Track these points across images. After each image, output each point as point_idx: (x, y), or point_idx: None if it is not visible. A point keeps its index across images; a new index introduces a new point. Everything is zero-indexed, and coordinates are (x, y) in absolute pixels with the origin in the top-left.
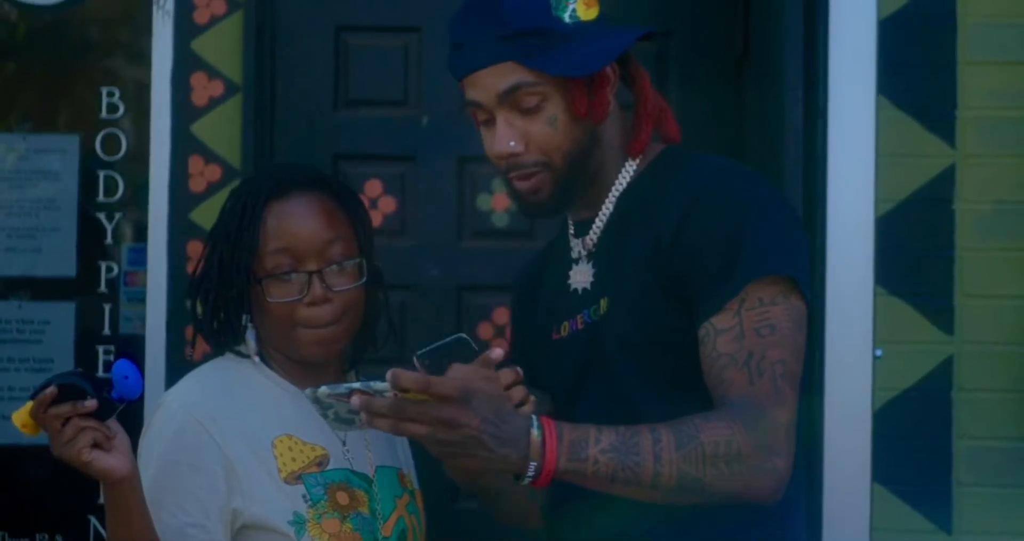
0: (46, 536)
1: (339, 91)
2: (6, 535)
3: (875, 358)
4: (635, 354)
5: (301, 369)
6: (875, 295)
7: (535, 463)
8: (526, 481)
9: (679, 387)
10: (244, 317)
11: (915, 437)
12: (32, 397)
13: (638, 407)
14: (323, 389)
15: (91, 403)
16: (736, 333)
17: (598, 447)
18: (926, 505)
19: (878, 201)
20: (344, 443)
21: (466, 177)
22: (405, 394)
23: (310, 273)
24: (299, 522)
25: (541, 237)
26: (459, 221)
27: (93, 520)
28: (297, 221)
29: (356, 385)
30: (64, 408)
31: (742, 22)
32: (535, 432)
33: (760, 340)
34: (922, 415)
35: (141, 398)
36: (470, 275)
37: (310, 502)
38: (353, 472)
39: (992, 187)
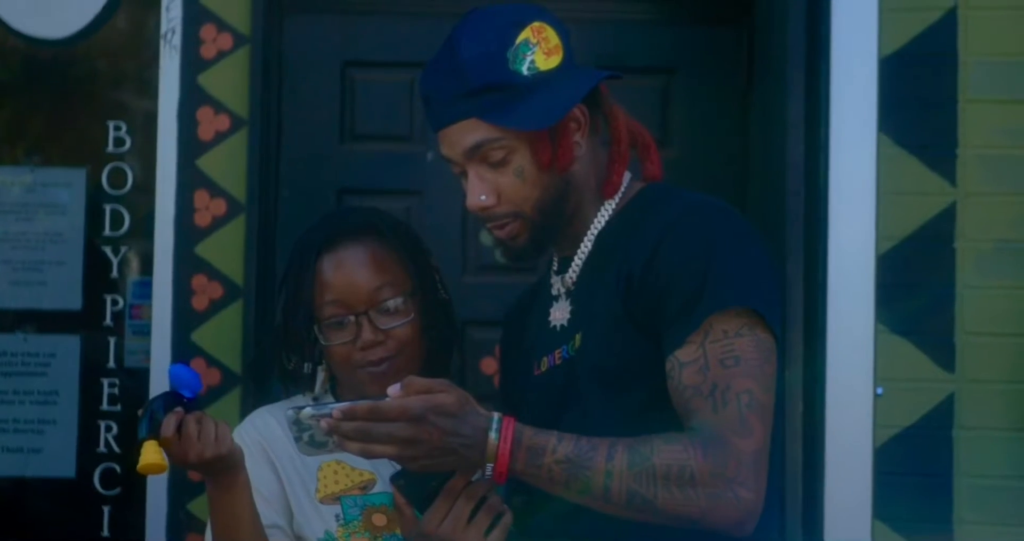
0: None
1: (345, 126)
2: None
3: (876, 396)
4: (606, 385)
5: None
6: (876, 333)
7: (490, 464)
8: (487, 476)
9: (650, 418)
10: (306, 365)
11: (916, 475)
12: (142, 440)
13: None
14: (307, 410)
15: (199, 415)
16: (700, 365)
17: (554, 457)
18: None
19: (879, 239)
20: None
21: (470, 213)
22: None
23: (357, 316)
24: (329, 540)
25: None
26: (463, 256)
27: None
28: (346, 272)
29: (344, 405)
30: (198, 414)
31: (746, 59)
32: (492, 436)
33: (724, 371)
34: (923, 453)
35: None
36: (473, 310)
37: (342, 521)
38: None
39: (993, 225)
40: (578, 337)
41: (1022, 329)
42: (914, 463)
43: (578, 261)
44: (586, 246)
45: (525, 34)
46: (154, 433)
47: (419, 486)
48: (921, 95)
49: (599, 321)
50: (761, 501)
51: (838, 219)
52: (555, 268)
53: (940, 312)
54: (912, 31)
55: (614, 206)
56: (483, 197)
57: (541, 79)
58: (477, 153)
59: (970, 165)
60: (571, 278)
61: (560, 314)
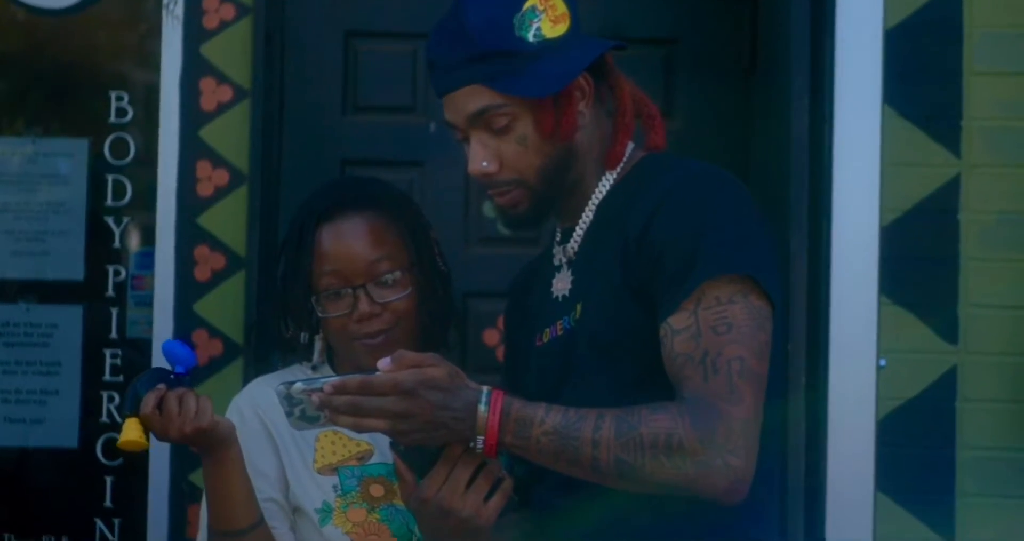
0: (52, 538)
1: (347, 97)
2: (13, 537)
3: (879, 368)
4: (604, 355)
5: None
6: (879, 304)
7: (480, 437)
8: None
9: (647, 388)
10: (303, 334)
11: (918, 447)
12: (125, 416)
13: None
14: (298, 385)
15: (182, 391)
16: (693, 332)
17: (542, 428)
18: (929, 515)
19: (883, 210)
20: None
21: (473, 184)
22: None
23: (354, 289)
24: (326, 510)
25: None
26: (465, 227)
27: (99, 523)
28: (344, 243)
29: (334, 378)
30: (180, 390)
31: (749, 31)
32: (481, 408)
33: (717, 338)
34: (926, 425)
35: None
36: (476, 282)
37: (340, 492)
38: None
39: (997, 197)
40: (579, 307)
41: None
42: (917, 435)
43: (579, 231)
44: (587, 216)
45: (532, 1)
46: (135, 410)
47: (418, 452)
48: (926, 67)
49: (598, 291)
50: (751, 469)
51: (842, 191)
52: (558, 238)
53: (943, 284)
54: (917, 2)
55: (616, 176)
56: (485, 163)
57: (547, 47)
58: (480, 119)
59: (975, 137)
60: (573, 248)
61: (562, 285)
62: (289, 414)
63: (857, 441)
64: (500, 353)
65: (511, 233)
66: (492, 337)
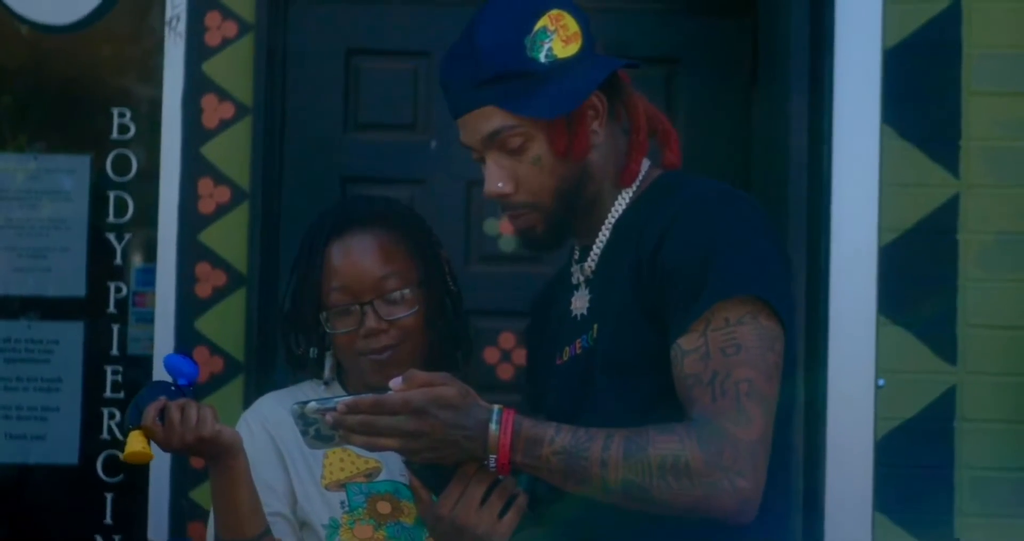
0: None
1: (348, 114)
2: None
3: (877, 387)
4: (619, 374)
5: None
6: (878, 324)
7: (493, 456)
8: (491, 468)
9: (662, 408)
10: (312, 350)
11: (917, 466)
12: (128, 429)
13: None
14: (312, 405)
15: (183, 402)
16: (702, 353)
17: (551, 448)
18: (928, 535)
19: (882, 230)
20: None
21: (474, 201)
22: None
23: (362, 305)
24: (333, 526)
25: (547, 262)
26: (466, 245)
27: (100, 540)
28: (352, 260)
29: (346, 398)
30: (182, 401)
31: (750, 49)
32: (492, 428)
33: (725, 360)
34: (924, 445)
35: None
36: (477, 299)
37: (347, 508)
38: (406, 485)
39: (995, 217)
40: (596, 327)
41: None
42: (915, 455)
43: (596, 250)
44: (604, 235)
45: (543, 22)
46: (138, 422)
47: (433, 469)
48: (924, 87)
49: (614, 311)
50: (759, 490)
51: (840, 210)
52: (576, 257)
53: (942, 304)
54: (916, 22)
55: (632, 194)
56: (500, 184)
57: (559, 67)
58: (495, 140)
59: (973, 157)
60: (590, 267)
61: (580, 303)
62: (304, 433)
63: (855, 461)
64: (501, 371)
65: (512, 251)
66: (493, 355)
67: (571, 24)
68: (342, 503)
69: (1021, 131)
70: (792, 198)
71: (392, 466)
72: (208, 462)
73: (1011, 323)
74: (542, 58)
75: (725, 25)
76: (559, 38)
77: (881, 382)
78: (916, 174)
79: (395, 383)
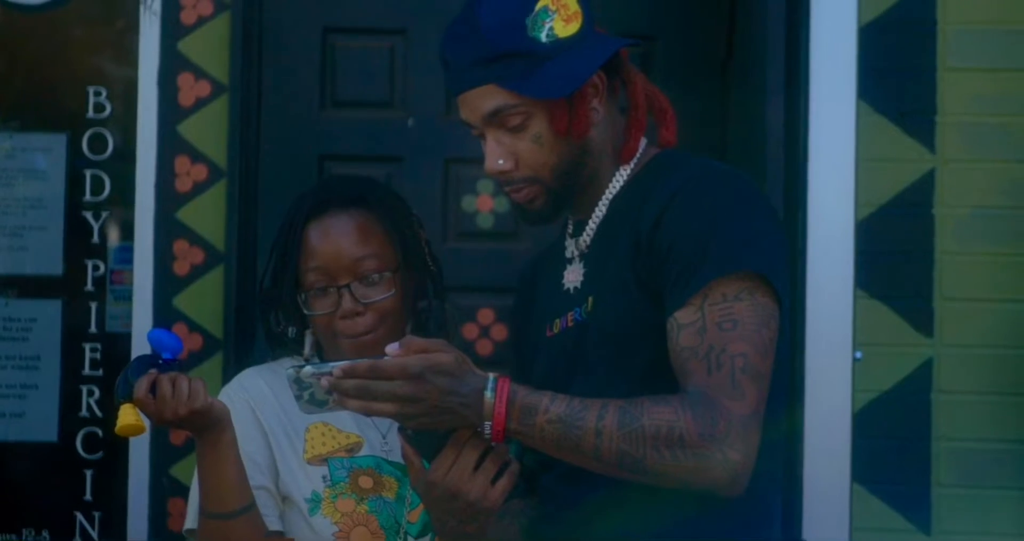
0: (32, 531)
1: (325, 92)
2: None
3: (855, 360)
4: (615, 347)
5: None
6: (855, 298)
7: (488, 423)
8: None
9: (656, 381)
10: (291, 329)
11: (894, 438)
12: (119, 402)
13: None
14: (308, 368)
15: (174, 375)
16: (698, 327)
17: (546, 416)
18: (905, 505)
19: (858, 205)
20: (384, 436)
21: (451, 179)
22: None
23: (339, 288)
24: (315, 500)
25: (526, 238)
26: (444, 222)
27: (79, 517)
28: (330, 240)
29: (343, 362)
30: (172, 374)
31: (726, 26)
32: (488, 395)
33: (721, 334)
34: (901, 417)
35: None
36: (455, 276)
37: (329, 483)
38: (387, 461)
39: (971, 192)
40: (591, 300)
41: (999, 294)
42: (892, 427)
43: (592, 225)
44: (600, 210)
45: (544, 1)
46: (129, 396)
47: (425, 437)
48: (900, 62)
49: (610, 284)
50: (751, 463)
51: (817, 186)
52: (570, 231)
53: (918, 278)
54: None
55: (629, 171)
56: (501, 161)
57: (560, 46)
58: (495, 119)
59: (949, 132)
60: (585, 241)
61: (574, 276)
62: (298, 398)
63: (833, 433)
64: (480, 347)
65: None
66: (471, 331)
67: (571, 3)
68: (324, 477)
69: (996, 106)
70: (769, 174)
71: (374, 441)
72: (196, 435)
73: (987, 296)
74: (543, 38)
75: (701, 3)
76: (560, 18)
77: (858, 355)
78: (892, 149)
79: (392, 349)
